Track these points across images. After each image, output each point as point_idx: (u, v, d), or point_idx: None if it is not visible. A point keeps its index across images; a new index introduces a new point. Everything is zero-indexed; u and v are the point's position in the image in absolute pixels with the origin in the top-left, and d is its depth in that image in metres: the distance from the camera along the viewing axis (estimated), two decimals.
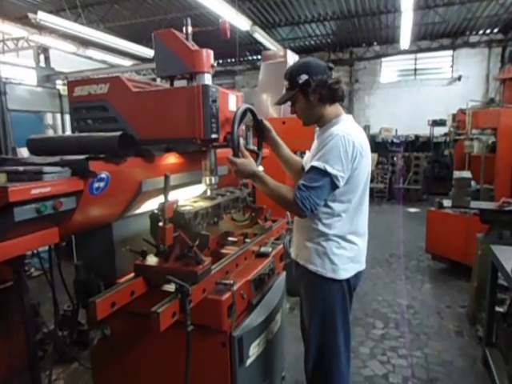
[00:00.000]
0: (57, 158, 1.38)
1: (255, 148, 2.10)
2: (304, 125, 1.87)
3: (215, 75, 1.82)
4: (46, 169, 1.25)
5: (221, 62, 13.82)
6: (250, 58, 13.48)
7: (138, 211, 1.83)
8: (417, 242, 5.70)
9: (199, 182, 1.92)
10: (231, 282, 1.68)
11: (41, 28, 8.55)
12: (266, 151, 2.43)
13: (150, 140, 1.73)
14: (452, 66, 11.98)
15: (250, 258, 2.10)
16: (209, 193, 1.94)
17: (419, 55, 12.26)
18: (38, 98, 6.51)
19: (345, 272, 1.69)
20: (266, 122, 1.96)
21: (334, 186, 1.57)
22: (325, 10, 9.46)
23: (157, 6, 8.57)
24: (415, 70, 12.52)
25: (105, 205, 1.56)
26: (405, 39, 9.54)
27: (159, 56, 1.82)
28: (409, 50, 11.30)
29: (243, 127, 2.10)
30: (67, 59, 10.02)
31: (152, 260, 1.66)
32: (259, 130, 1.98)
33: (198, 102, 1.63)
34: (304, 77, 1.67)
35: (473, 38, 11.54)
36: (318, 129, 1.88)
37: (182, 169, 1.87)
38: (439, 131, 11.07)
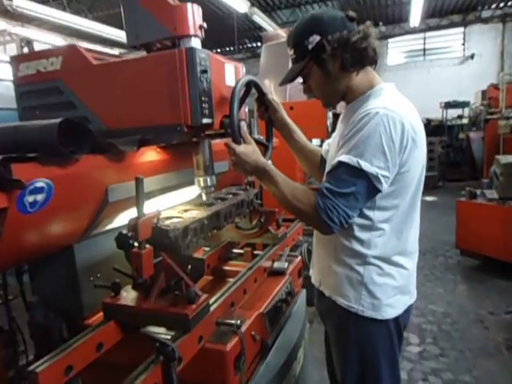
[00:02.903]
0: None
1: (261, 138, 1.62)
2: (325, 106, 1.38)
3: None
4: None
5: (219, 50, 13.26)
6: (249, 45, 12.93)
7: (111, 226, 1.37)
8: (440, 236, 5.21)
9: (191, 183, 1.46)
10: (238, 321, 1.22)
11: (29, 20, 8.08)
12: (275, 141, 1.96)
13: (121, 130, 1.27)
14: (464, 44, 11.35)
15: (261, 277, 1.63)
16: (204, 198, 1.47)
17: (428, 34, 11.62)
18: None
19: (390, 309, 1.21)
20: (273, 97, 1.47)
21: (375, 191, 1.10)
22: None
23: None
24: (424, 50, 11.90)
25: (52, 224, 1.10)
26: (415, 16, 8.94)
27: (129, 18, 1.35)
28: (417, 29, 10.71)
29: (246, 110, 1.62)
30: None
31: (127, 297, 1.20)
32: (263, 108, 1.49)
33: (180, 74, 1.16)
34: (315, 38, 1.17)
35: (485, 13, 10.87)
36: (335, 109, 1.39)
37: (165, 168, 1.40)
38: (451, 114, 10.49)
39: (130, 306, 1.15)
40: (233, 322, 1.21)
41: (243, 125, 1.29)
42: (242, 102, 1.35)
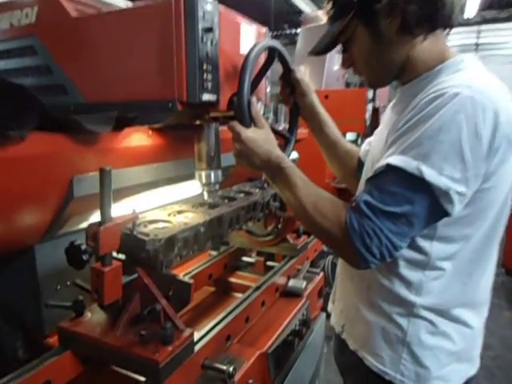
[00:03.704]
0: None
1: (285, 127, 1.28)
2: (372, 85, 1.00)
3: None
4: None
5: None
6: (288, 31, 12.40)
7: (85, 224, 1.09)
8: None
9: (191, 177, 1.16)
10: (231, 368, 0.91)
11: None
12: (302, 132, 1.63)
13: (101, 104, 0.99)
14: None
15: (270, 299, 1.33)
16: (206, 196, 1.16)
17: (483, 27, 10.70)
18: None
19: (442, 383, 0.86)
20: (302, 77, 1.13)
21: (440, 213, 0.74)
22: None
23: None
24: (477, 44, 11.00)
25: None
26: (471, 7, 8.17)
27: None
28: (471, 21, 9.84)
29: (268, 89, 1.29)
30: None
31: (90, 321, 0.93)
32: (288, 90, 1.16)
33: (176, 30, 0.85)
34: None
35: None
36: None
37: (158, 156, 1.11)
38: None
39: (88, 335, 0.87)
40: (224, 367, 0.92)
41: (257, 103, 0.96)
42: (260, 74, 1.03)
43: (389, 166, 0.74)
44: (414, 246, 0.80)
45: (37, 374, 0.84)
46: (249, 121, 0.92)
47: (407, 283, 0.83)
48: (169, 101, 0.89)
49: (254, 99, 0.93)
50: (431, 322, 0.83)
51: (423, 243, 0.80)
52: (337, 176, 1.28)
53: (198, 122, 1.09)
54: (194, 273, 1.38)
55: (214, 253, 1.63)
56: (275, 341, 1.12)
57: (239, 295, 1.46)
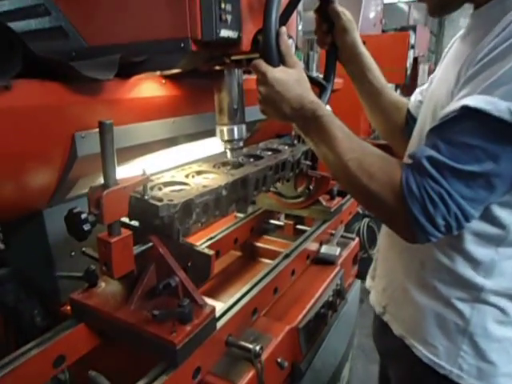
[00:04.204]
0: None
1: (318, 76, 1.09)
2: (436, 10, 0.74)
3: None
4: None
5: None
6: None
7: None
8: None
9: (212, 133, 1.02)
10: (257, 347, 0.82)
11: None
12: (337, 82, 1.44)
13: (105, 48, 0.85)
14: None
15: (301, 266, 1.22)
16: (229, 155, 1.03)
17: None
18: None
19: (510, 380, 0.72)
20: (343, 10, 0.93)
21: None
22: None
23: None
24: None
25: None
26: None
27: None
28: None
29: (299, 27, 1.10)
30: None
31: (103, 292, 0.85)
32: (325, 26, 0.96)
33: None
34: None
35: None
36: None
37: (173, 109, 0.97)
38: None
39: (100, 309, 0.79)
40: (250, 346, 0.82)
41: (289, 42, 0.78)
42: (290, 5, 0.85)
43: (465, 110, 0.55)
44: (486, 217, 0.64)
45: (48, 349, 0.78)
46: (277, 58, 0.74)
47: (474, 262, 0.68)
48: (180, 39, 0.74)
49: (283, 30, 0.76)
50: (502, 310, 0.69)
51: (500, 213, 0.64)
52: (379, 132, 1.10)
53: (217, 68, 0.93)
54: (218, 237, 1.28)
55: (240, 215, 1.52)
56: (307, 314, 1.01)
57: (266, 261, 1.37)
